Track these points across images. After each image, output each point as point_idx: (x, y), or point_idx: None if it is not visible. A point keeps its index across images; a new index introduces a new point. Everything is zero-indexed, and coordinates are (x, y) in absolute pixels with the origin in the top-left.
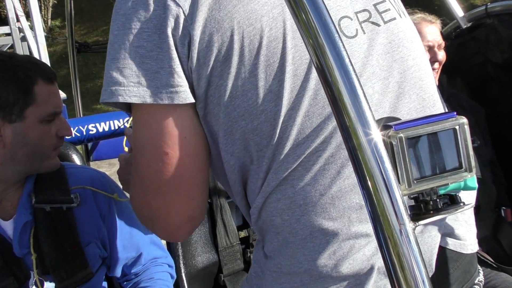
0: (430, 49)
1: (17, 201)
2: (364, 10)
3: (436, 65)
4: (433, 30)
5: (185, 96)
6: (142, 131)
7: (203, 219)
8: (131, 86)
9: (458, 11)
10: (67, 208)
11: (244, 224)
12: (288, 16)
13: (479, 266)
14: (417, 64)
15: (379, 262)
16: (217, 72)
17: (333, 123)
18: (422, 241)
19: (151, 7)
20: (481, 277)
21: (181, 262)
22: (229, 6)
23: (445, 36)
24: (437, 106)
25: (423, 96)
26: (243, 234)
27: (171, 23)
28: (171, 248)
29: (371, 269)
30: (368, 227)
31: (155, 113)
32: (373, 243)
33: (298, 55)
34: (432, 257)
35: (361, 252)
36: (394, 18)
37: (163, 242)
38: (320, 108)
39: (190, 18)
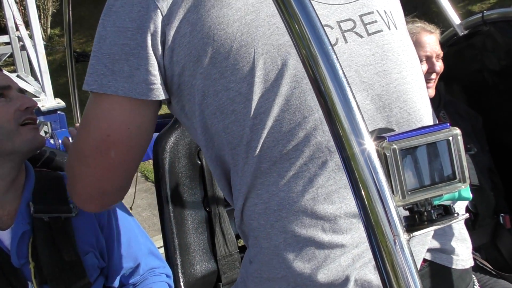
0: (428, 59)
1: (15, 210)
2: (348, 20)
3: (434, 75)
4: (432, 40)
5: (159, 93)
6: (103, 110)
7: (115, 203)
8: (116, 79)
9: (455, 18)
10: (65, 218)
11: None
12: (261, 23)
13: (475, 280)
14: (402, 78)
15: (355, 274)
16: (189, 72)
17: (304, 131)
18: None
19: (136, 7)
20: None
21: (179, 271)
22: (203, 10)
23: (442, 44)
24: (425, 120)
25: (408, 111)
26: (242, 242)
27: (150, 24)
28: (169, 258)
29: (346, 280)
30: (344, 238)
31: (126, 103)
32: (349, 254)
33: (269, 61)
34: None
35: (337, 262)
36: (381, 30)
37: (161, 252)
38: (291, 114)
39: (167, 18)
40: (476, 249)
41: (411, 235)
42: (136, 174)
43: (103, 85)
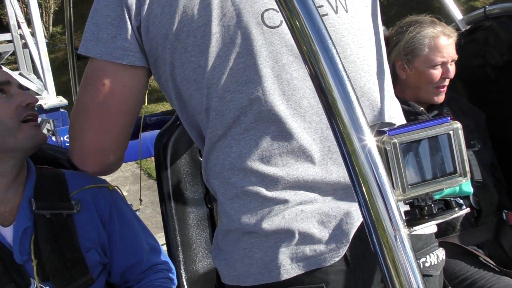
0: (443, 64)
1: (17, 207)
2: None
3: (446, 81)
4: (449, 44)
5: (133, 60)
6: (93, 70)
7: (115, 167)
8: (97, 44)
9: (457, 14)
10: (67, 214)
11: None
12: (215, 6)
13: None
14: (343, 58)
15: (300, 227)
16: (161, 47)
17: (249, 101)
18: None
19: None
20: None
21: (182, 268)
22: None
23: None
24: (375, 100)
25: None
26: None
27: (128, 1)
28: (172, 254)
29: (291, 231)
30: (287, 195)
31: (107, 66)
32: (293, 209)
33: (221, 39)
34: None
35: (280, 215)
36: (326, 14)
37: (164, 248)
38: (238, 85)
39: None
40: (479, 245)
41: (412, 229)
42: (140, 172)
43: (88, 49)
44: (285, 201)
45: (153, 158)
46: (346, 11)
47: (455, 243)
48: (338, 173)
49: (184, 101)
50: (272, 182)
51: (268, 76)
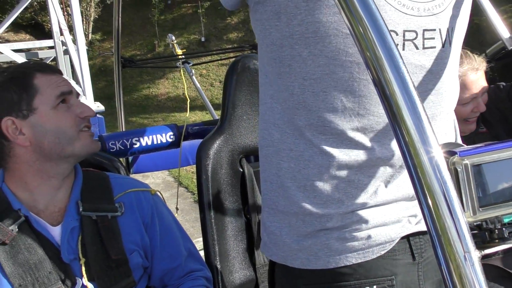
0: (474, 99)
1: (64, 207)
2: (413, 31)
3: (477, 114)
4: (478, 78)
5: None
6: None
7: None
8: None
9: (504, 32)
10: (112, 216)
11: None
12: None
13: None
14: (435, 89)
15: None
16: (268, 21)
17: (341, 108)
18: None
19: None
20: None
21: (219, 277)
22: None
23: (489, 58)
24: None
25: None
26: None
27: None
28: (209, 263)
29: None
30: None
31: None
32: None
33: (330, 42)
34: None
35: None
36: (434, 47)
37: (202, 254)
38: (335, 90)
39: None
40: None
41: (482, 252)
42: (178, 180)
43: None
44: (341, 202)
45: (184, 167)
46: (450, 45)
47: (498, 265)
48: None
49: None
50: (343, 183)
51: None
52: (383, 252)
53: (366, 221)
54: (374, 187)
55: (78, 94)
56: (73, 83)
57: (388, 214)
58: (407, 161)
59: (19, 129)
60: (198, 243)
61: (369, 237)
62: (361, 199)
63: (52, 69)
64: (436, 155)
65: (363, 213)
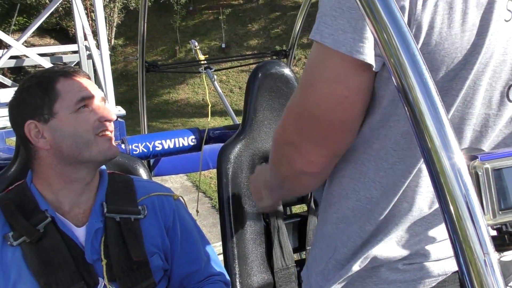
0: None
1: (90, 209)
2: None
3: None
4: None
5: (371, 59)
6: (326, 70)
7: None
8: (339, 34)
9: None
10: (135, 219)
11: (300, 247)
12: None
13: None
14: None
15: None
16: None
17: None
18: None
19: None
20: None
21: (237, 280)
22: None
23: None
24: None
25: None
26: (299, 256)
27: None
28: (228, 266)
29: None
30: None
31: (347, 62)
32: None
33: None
34: None
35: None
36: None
37: (220, 258)
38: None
39: None
40: None
41: (501, 254)
42: (199, 184)
43: (338, 41)
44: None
45: (203, 172)
46: None
47: None
48: None
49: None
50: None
51: None
52: (434, 284)
53: (422, 255)
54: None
55: (103, 98)
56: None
57: (445, 249)
58: (429, 166)
59: (41, 132)
60: (215, 247)
61: (422, 268)
62: (420, 236)
63: (76, 73)
64: (457, 160)
65: (419, 248)
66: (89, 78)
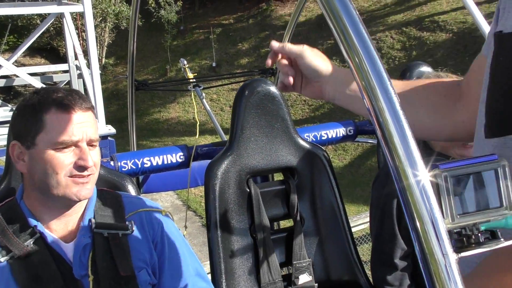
0: None
1: (78, 225)
2: None
3: None
4: None
5: None
6: None
7: None
8: None
9: None
10: (123, 234)
11: (287, 261)
12: None
13: None
14: None
15: None
16: None
17: None
18: None
19: None
20: None
21: None
22: None
23: None
24: None
25: None
26: (285, 271)
27: None
28: (215, 281)
29: None
30: None
31: None
32: None
33: None
34: None
35: None
36: None
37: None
38: None
39: None
40: None
41: (459, 255)
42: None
43: None
44: None
45: (193, 190)
46: None
47: None
48: None
49: None
50: None
51: None
52: None
53: None
54: None
55: (92, 140)
56: None
57: None
58: (396, 179)
59: (23, 155)
60: (205, 266)
61: None
62: None
63: (73, 106)
64: (420, 174)
65: None
66: (88, 110)
